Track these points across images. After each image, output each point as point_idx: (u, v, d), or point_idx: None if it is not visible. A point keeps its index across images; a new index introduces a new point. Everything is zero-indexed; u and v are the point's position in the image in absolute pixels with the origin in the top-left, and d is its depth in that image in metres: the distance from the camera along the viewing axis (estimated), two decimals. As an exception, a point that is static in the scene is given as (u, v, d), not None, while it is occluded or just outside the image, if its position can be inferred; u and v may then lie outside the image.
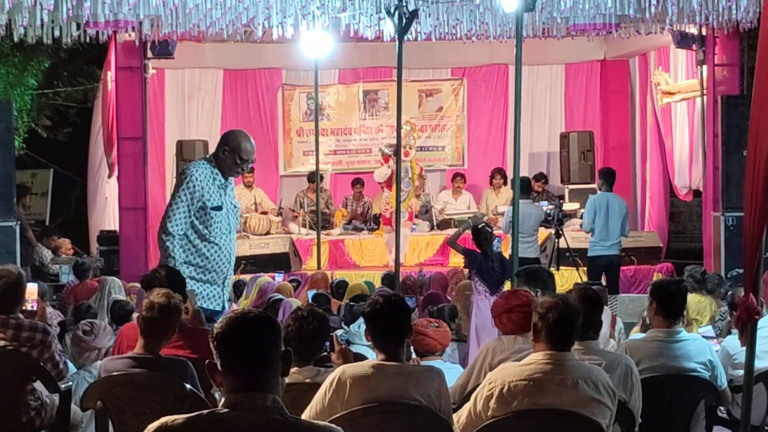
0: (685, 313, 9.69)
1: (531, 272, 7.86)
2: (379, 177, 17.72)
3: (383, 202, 17.50)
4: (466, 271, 11.67)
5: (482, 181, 19.31)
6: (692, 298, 10.56)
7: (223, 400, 3.68)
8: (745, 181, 5.51)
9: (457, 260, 17.00)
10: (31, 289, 7.78)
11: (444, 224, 18.29)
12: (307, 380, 5.86)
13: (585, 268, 15.25)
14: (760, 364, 6.96)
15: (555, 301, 5.43)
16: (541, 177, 18.83)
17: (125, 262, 15.89)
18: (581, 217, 17.33)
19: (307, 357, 6.02)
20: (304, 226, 17.95)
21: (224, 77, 19.56)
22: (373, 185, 18.82)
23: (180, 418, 3.63)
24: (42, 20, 12.63)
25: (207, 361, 3.73)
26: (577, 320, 5.41)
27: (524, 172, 17.02)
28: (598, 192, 14.87)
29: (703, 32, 15.99)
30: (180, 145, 17.99)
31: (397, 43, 11.51)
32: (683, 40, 16.28)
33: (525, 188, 14.27)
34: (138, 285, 13.30)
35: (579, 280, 13.77)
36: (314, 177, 17.45)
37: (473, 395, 5.46)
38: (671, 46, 17.12)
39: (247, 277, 14.17)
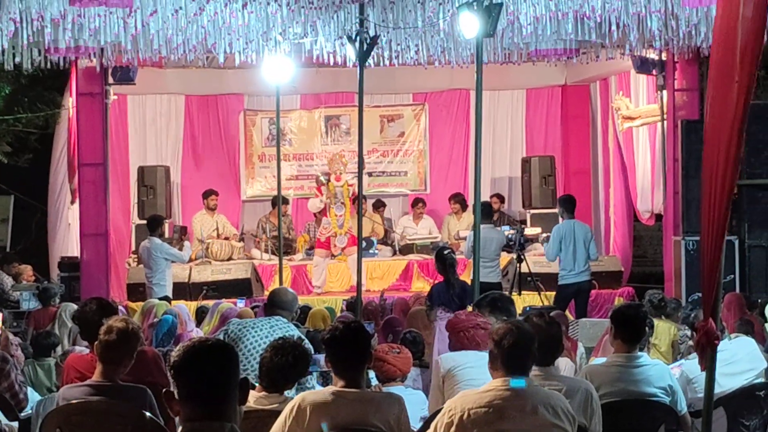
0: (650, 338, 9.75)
1: (494, 302, 7.77)
2: (313, 208, 17.90)
3: (321, 227, 17.49)
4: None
5: (444, 206, 19.27)
6: (650, 323, 10.58)
7: (180, 428, 3.67)
8: (701, 205, 5.53)
9: (419, 285, 17.01)
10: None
11: (406, 249, 18.27)
12: (269, 407, 5.85)
13: (546, 293, 15.26)
14: (719, 389, 6.98)
15: (509, 327, 5.44)
16: (497, 195, 18.82)
17: (86, 288, 15.76)
18: (543, 242, 17.39)
19: (275, 386, 6.03)
20: (266, 251, 17.90)
21: (186, 103, 19.50)
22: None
23: (138, 446, 3.62)
24: (2, 46, 12.59)
25: (164, 389, 3.72)
26: (533, 345, 5.42)
27: (486, 196, 17.06)
28: (561, 220, 14.81)
29: (663, 57, 16.10)
30: (141, 170, 17.94)
31: (358, 68, 11.52)
32: (643, 66, 16.36)
33: (486, 213, 14.26)
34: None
35: (541, 305, 13.77)
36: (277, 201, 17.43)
37: (433, 423, 5.45)
38: (632, 71, 17.19)
39: (209, 303, 14.12)
